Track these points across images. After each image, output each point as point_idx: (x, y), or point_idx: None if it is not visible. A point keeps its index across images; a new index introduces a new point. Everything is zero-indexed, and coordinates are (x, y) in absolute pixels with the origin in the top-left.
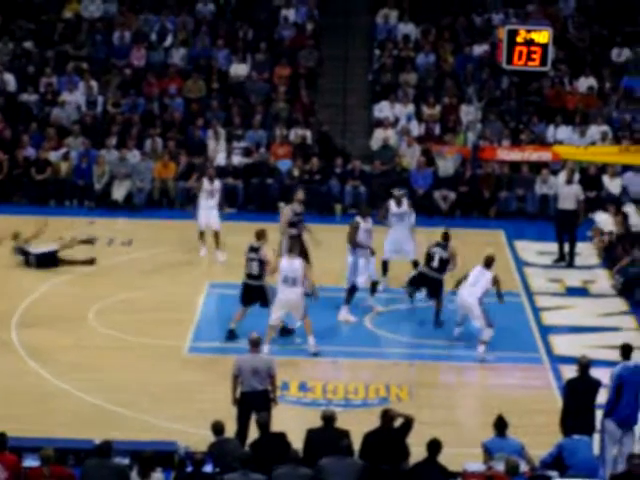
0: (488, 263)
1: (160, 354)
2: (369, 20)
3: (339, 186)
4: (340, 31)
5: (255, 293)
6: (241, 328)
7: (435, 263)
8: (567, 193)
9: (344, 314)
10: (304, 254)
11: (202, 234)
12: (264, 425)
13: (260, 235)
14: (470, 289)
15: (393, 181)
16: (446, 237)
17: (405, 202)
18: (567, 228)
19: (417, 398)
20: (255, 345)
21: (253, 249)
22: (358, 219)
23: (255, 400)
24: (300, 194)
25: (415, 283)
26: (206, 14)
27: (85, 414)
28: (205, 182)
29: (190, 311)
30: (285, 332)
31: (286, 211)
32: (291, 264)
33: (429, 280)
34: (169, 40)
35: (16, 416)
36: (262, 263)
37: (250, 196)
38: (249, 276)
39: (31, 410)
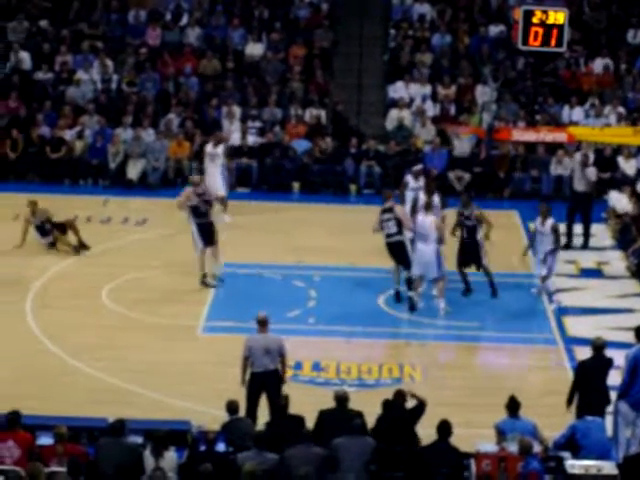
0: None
1: (174, 333)
2: (385, 0)
3: (354, 166)
4: (356, 11)
5: (397, 249)
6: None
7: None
8: (583, 175)
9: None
10: (213, 234)
11: None
12: (283, 407)
13: (388, 196)
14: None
15: (408, 161)
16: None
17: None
18: (582, 210)
19: (430, 379)
20: (263, 324)
21: (386, 210)
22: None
23: (267, 380)
24: (195, 178)
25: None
26: None
27: (99, 393)
28: (209, 146)
29: (204, 291)
30: (397, 297)
31: (187, 192)
32: (424, 220)
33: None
34: (184, 19)
35: (30, 394)
36: (399, 221)
37: (264, 176)
38: (388, 236)
39: (45, 388)
